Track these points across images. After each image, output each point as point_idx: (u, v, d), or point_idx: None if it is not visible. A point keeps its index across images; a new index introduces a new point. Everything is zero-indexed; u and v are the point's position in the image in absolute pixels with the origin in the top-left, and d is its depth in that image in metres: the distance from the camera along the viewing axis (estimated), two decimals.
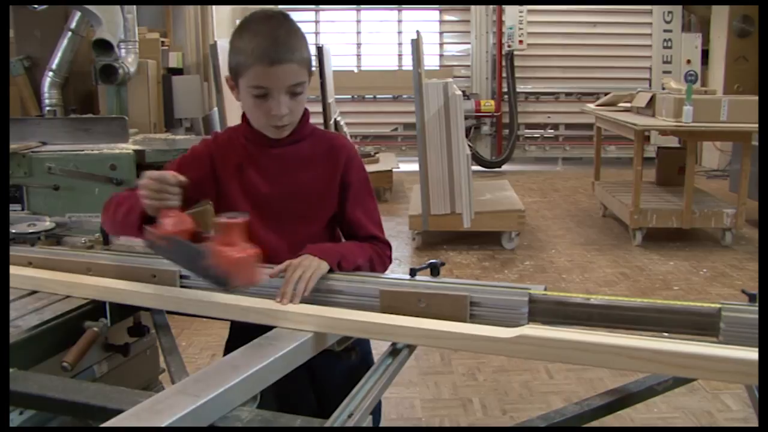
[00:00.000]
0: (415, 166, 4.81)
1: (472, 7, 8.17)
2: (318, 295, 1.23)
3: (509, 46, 7.89)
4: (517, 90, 8.10)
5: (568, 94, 8.29)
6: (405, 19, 8.38)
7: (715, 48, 7.56)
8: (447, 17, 8.44)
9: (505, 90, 8.13)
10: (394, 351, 1.13)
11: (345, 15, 8.36)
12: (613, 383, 1.77)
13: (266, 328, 1.16)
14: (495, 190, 5.14)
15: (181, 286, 1.32)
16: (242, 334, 1.17)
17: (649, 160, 5.56)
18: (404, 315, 1.15)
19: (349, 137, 6.16)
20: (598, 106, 5.88)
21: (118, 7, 3.95)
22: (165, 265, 1.33)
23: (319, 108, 5.50)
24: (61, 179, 3.10)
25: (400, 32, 8.38)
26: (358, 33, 8.42)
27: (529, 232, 4.98)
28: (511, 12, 7.84)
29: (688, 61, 7.77)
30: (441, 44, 8.41)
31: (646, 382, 1.26)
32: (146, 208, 1.18)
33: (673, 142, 6.68)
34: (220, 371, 1.00)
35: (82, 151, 3.23)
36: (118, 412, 0.90)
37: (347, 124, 7.21)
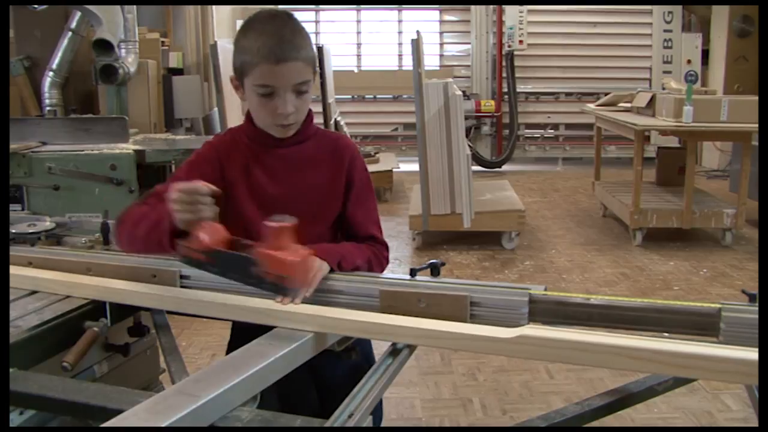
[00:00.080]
0: (415, 166, 4.81)
1: (472, 7, 8.17)
2: (318, 295, 1.23)
3: (509, 46, 7.89)
4: (517, 90, 8.10)
5: (568, 94, 8.29)
6: (405, 19, 8.38)
7: (715, 48, 7.56)
8: (447, 17, 8.44)
9: (505, 90, 8.13)
10: (394, 351, 1.13)
11: (345, 15, 8.36)
12: (614, 383, 1.78)
13: (268, 329, 1.16)
14: (495, 190, 5.14)
15: (181, 286, 1.32)
16: (244, 334, 1.17)
17: (649, 160, 5.56)
18: (404, 315, 1.15)
19: (349, 137, 6.15)
20: (598, 106, 5.88)
21: (118, 7, 3.95)
22: (165, 265, 1.33)
23: (319, 108, 5.51)
24: (61, 179, 3.10)
25: (400, 32, 8.38)
26: (358, 33, 8.42)
27: (529, 232, 4.98)
28: (511, 12, 7.84)
29: (689, 61, 7.78)
30: (441, 44, 8.41)
31: (646, 382, 1.26)
32: (178, 222, 1.13)
33: (673, 142, 6.68)
34: (220, 371, 1.00)
35: (82, 151, 3.23)
36: (118, 412, 0.90)
37: (347, 124, 7.20)
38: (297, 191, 1.37)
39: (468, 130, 7.64)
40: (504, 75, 8.11)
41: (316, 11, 8.26)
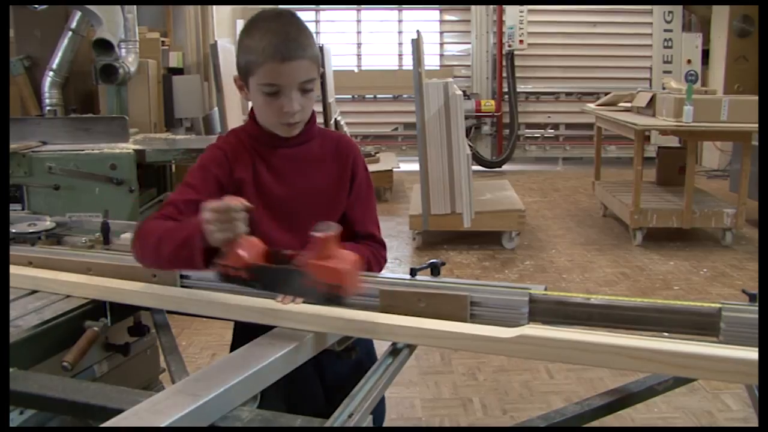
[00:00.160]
0: (415, 166, 4.81)
1: (473, 6, 8.17)
2: None
3: (509, 46, 7.89)
4: (518, 90, 8.10)
5: (568, 94, 8.29)
6: (405, 19, 8.37)
7: (716, 48, 7.56)
8: (447, 17, 8.44)
9: (506, 90, 8.13)
10: (394, 351, 1.13)
11: (345, 15, 8.36)
12: (614, 383, 1.77)
13: (271, 329, 1.16)
14: (495, 190, 5.14)
15: (181, 286, 1.32)
16: (247, 334, 1.17)
17: (649, 160, 5.56)
18: (404, 315, 1.15)
19: (349, 136, 6.15)
20: (598, 106, 5.88)
21: (118, 6, 3.95)
22: None
23: (319, 108, 5.50)
24: (61, 179, 3.10)
25: (400, 32, 8.38)
26: (359, 33, 8.42)
27: (529, 232, 4.98)
28: (511, 12, 7.84)
29: (689, 61, 7.77)
30: (441, 44, 8.41)
31: (646, 382, 1.26)
32: (213, 241, 1.10)
33: (673, 141, 6.68)
34: (220, 371, 1.00)
35: (83, 150, 3.23)
36: (118, 411, 0.91)
37: (347, 123, 7.21)
38: (302, 192, 1.37)
39: (468, 130, 7.64)
40: (504, 75, 8.11)
41: (316, 11, 8.26)
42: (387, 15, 8.38)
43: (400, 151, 7.89)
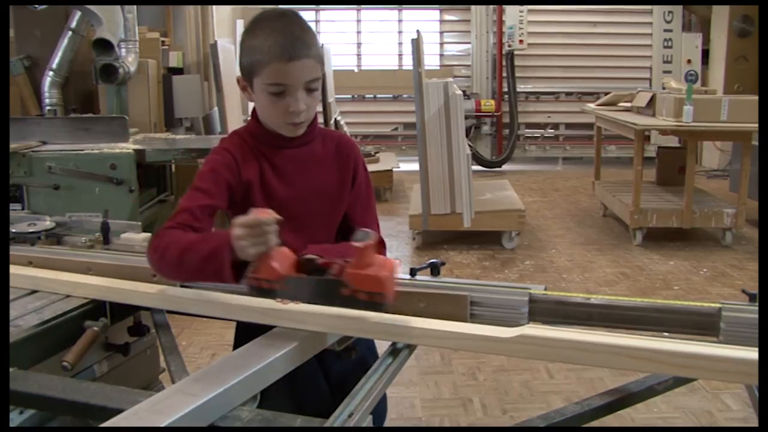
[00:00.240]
0: (415, 166, 4.81)
1: (473, 6, 8.17)
2: None
3: (509, 46, 7.89)
4: (518, 90, 8.10)
5: (568, 94, 8.29)
6: (405, 19, 8.37)
7: (716, 48, 7.56)
8: (447, 17, 8.44)
9: (506, 90, 8.13)
10: (394, 351, 1.14)
11: (345, 15, 8.36)
12: (614, 383, 1.77)
13: (272, 328, 1.16)
14: (495, 190, 5.14)
15: (182, 286, 1.32)
16: (248, 334, 1.17)
17: (649, 160, 5.55)
18: (404, 315, 1.15)
19: (349, 135, 6.16)
20: (598, 105, 5.88)
21: (118, 6, 3.95)
22: None
23: (319, 108, 5.48)
24: (61, 179, 3.10)
25: (400, 32, 8.38)
26: (358, 33, 8.42)
27: (529, 232, 4.98)
28: (511, 12, 7.84)
29: (689, 61, 7.77)
30: (441, 44, 8.41)
31: (646, 382, 1.26)
32: (246, 256, 1.09)
33: (673, 141, 6.68)
34: (220, 371, 1.00)
35: (83, 150, 3.23)
36: (118, 411, 0.91)
37: (347, 123, 7.21)
38: (306, 192, 1.37)
39: (468, 130, 7.64)
40: (504, 75, 8.11)
41: (316, 11, 8.26)
42: (387, 15, 8.38)
43: (400, 151, 7.89)
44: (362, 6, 8.33)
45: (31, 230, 1.70)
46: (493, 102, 8.09)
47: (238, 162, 1.32)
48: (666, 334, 1.08)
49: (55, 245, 1.69)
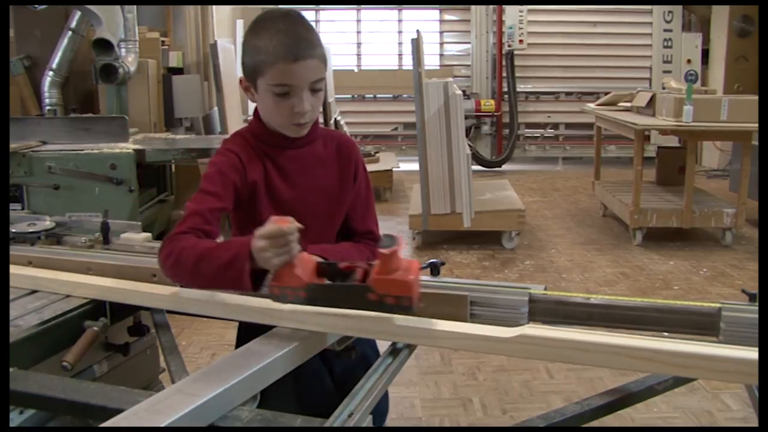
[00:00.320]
0: (415, 166, 4.81)
1: (472, 6, 8.17)
2: None
3: (509, 46, 7.90)
4: (518, 89, 8.10)
5: (568, 94, 8.29)
6: (405, 19, 8.37)
7: (716, 48, 7.56)
8: (447, 17, 8.44)
9: (506, 89, 8.13)
10: (394, 351, 1.14)
11: (345, 15, 8.36)
12: (613, 383, 1.78)
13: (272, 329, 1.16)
14: (495, 190, 5.14)
15: (181, 286, 1.32)
16: (251, 333, 1.17)
17: (649, 160, 5.55)
18: (404, 315, 1.15)
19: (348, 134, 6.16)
20: (598, 105, 5.87)
21: (118, 6, 3.95)
22: None
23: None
24: (61, 178, 3.10)
25: (400, 32, 8.38)
26: (358, 33, 8.42)
27: (529, 232, 4.98)
28: (511, 11, 7.84)
29: (689, 61, 7.77)
30: (441, 44, 8.41)
31: (646, 382, 1.26)
32: (270, 267, 1.08)
33: (673, 141, 6.68)
34: (220, 371, 1.00)
35: (82, 150, 3.23)
36: (118, 411, 0.91)
37: (347, 123, 7.21)
38: (309, 192, 1.37)
39: (468, 130, 7.64)
40: (504, 74, 8.11)
41: (316, 11, 8.26)
42: (387, 15, 8.38)
43: (400, 151, 7.89)
44: (362, 6, 8.33)
45: (31, 230, 1.70)
46: (493, 102, 8.09)
47: (244, 163, 1.31)
48: (666, 334, 1.08)
49: (55, 245, 1.69)
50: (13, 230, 1.68)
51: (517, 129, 8.11)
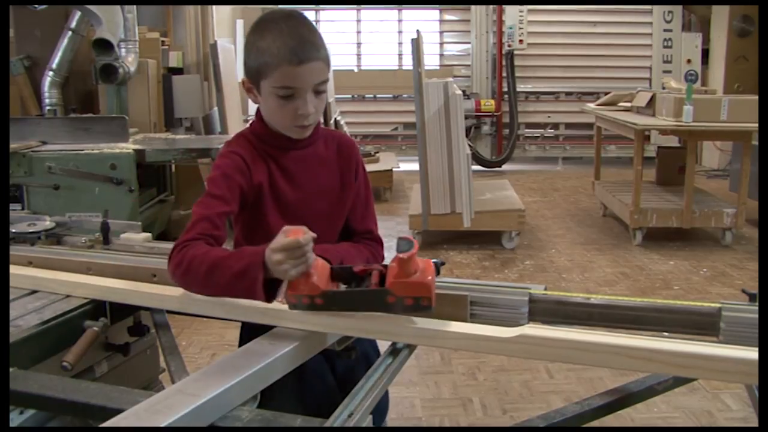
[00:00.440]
0: (415, 166, 4.81)
1: (472, 6, 8.17)
2: None
3: (509, 46, 7.90)
4: (518, 89, 8.10)
5: (568, 94, 8.29)
6: (405, 19, 8.38)
7: (716, 48, 7.57)
8: (447, 17, 8.44)
9: (506, 89, 8.13)
10: (394, 351, 1.14)
11: (345, 15, 8.36)
12: (613, 383, 1.78)
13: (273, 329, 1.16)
14: (495, 190, 5.14)
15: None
16: (253, 333, 1.17)
17: (649, 160, 5.55)
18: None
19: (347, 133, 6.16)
20: (598, 105, 5.87)
21: (118, 6, 3.95)
22: (165, 265, 1.32)
23: None
24: (61, 179, 3.10)
25: (400, 32, 8.38)
26: (358, 33, 8.42)
27: (529, 232, 4.98)
28: (511, 12, 7.84)
29: (689, 61, 7.77)
30: (441, 44, 8.41)
31: (646, 382, 1.26)
32: (287, 278, 1.07)
33: (673, 141, 6.68)
34: (220, 371, 1.00)
35: (82, 150, 3.23)
36: (118, 411, 0.91)
37: (347, 123, 7.21)
38: (312, 193, 1.37)
39: (468, 130, 7.64)
40: (504, 74, 8.11)
41: (316, 11, 8.26)
42: (387, 15, 8.38)
43: (400, 151, 7.89)
44: (362, 6, 8.33)
45: (31, 230, 1.70)
46: (493, 102, 8.09)
47: (249, 165, 1.30)
48: (666, 333, 1.08)
49: (55, 245, 1.69)
50: (13, 230, 1.68)
51: (517, 129, 8.11)
